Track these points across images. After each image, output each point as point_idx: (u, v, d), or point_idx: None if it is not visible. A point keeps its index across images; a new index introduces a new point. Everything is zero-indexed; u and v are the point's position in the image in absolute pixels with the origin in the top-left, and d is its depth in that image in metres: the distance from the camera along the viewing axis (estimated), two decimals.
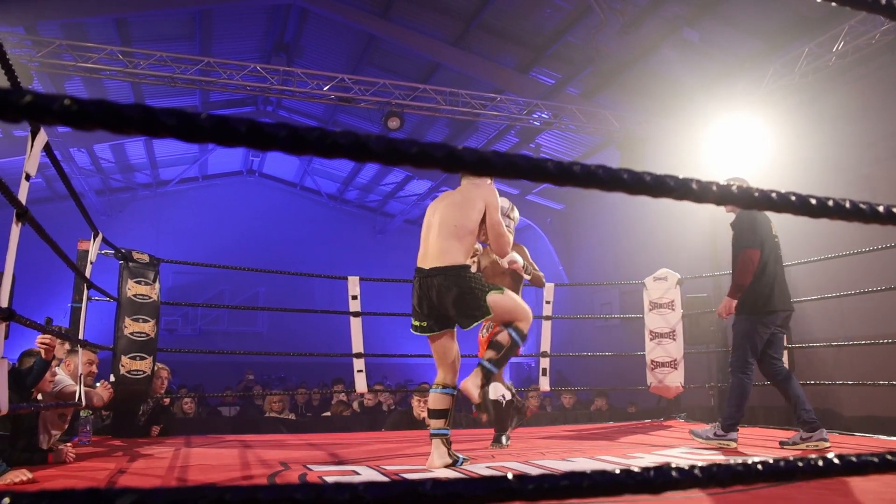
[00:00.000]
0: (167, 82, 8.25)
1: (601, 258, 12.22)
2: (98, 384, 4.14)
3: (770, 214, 3.89)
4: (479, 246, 4.38)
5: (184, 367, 11.31)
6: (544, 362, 6.03)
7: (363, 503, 0.55)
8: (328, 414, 7.02)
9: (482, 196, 3.25)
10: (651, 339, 5.97)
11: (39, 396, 3.33)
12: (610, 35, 8.03)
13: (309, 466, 3.09)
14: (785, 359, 4.19)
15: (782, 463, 0.72)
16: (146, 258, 4.97)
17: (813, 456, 0.75)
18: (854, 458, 0.76)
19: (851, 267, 6.30)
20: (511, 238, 3.59)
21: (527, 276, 4.28)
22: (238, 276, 11.78)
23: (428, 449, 3.20)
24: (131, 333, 4.75)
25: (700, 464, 0.70)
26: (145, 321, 4.83)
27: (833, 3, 0.95)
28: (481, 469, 3.02)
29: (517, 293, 4.34)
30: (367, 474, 2.87)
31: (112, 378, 4.56)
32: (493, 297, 3.14)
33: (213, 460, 3.41)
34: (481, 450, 3.89)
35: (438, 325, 3.22)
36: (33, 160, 2.56)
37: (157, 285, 5.00)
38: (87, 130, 0.56)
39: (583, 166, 0.68)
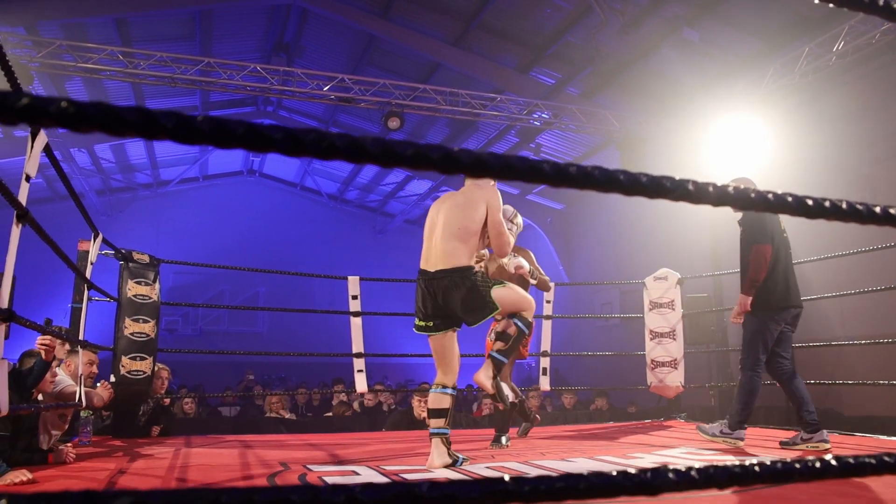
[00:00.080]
0: (167, 83, 8.25)
1: (601, 258, 12.22)
2: (98, 384, 4.15)
3: None
4: (485, 251, 4.42)
5: (184, 367, 11.32)
6: (544, 362, 6.03)
7: None
8: (330, 414, 7.03)
9: (484, 197, 3.29)
10: (651, 339, 5.97)
11: (40, 397, 3.34)
12: (610, 35, 8.03)
13: (309, 467, 3.09)
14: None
15: (779, 465, 0.72)
16: (146, 258, 4.97)
17: (810, 457, 0.75)
18: (851, 460, 0.76)
19: (851, 267, 6.30)
20: (512, 240, 3.61)
21: (533, 281, 4.38)
22: (238, 277, 11.78)
23: (428, 449, 3.20)
24: (131, 334, 4.76)
25: (697, 465, 0.70)
26: (145, 321, 4.84)
27: (831, 5, 0.95)
28: (481, 469, 3.02)
29: None
30: (366, 474, 2.87)
31: (112, 378, 4.57)
32: (497, 292, 3.21)
33: (213, 461, 3.41)
34: (481, 450, 3.90)
35: (443, 325, 3.26)
36: (33, 161, 2.56)
37: (157, 286, 5.00)
38: (85, 133, 0.56)
39: (579, 167, 0.68)
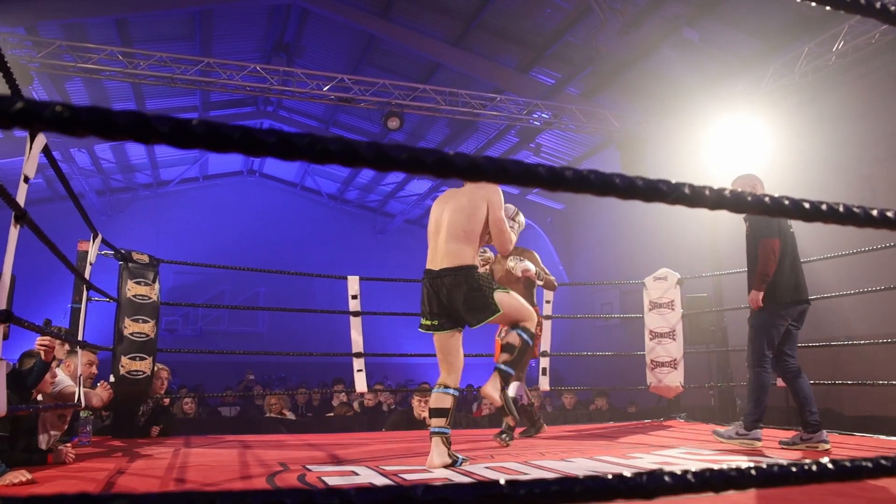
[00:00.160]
0: (167, 83, 8.25)
1: (601, 258, 12.22)
2: (97, 385, 4.15)
3: None
4: (492, 254, 4.45)
5: (184, 367, 11.32)
6: (544, 362, 6.03)
7: None
8: (331, 415, 7.03)
9: (485, 196, 3.32)
10: (651, 339, 5.97)
11: (39, 397, 3.34)
12: (610, 35, 8.03)
13: (308, 467, 3.09)
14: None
15: (776, 468, 0.72)
16: (146, 259, 4.97)
17: (807, 461, 0.75)
18: (848, 463, 0.76)
19: (851, 267, 6.30)
20: (514, 238, 3.61)
21: (540, 282, 4.42)
22: (238, 277, 11.77)
23: (428, 449, 3.20)
24: (131, 334, 4.76)
25: (693, 468, 0.70)
26: (145, 322, 4.84)
27: (828, 7, 0.95)
28: (480, 470, 3.02)
29: (531, 299, 4.44)
30: (366, 475, 2.87)
31: (112, 378, 4.57)
32: (500, 295, 3.24)
33: (213, 461, 3.41)
34: (481, 450, 3.90)
35: (448, 324, 3.28)
36: (32, 162, 2.56)
37: (156, 286, 5.00)
38: (80, 137, 0.56)
39: (575, 171, 0.68)
